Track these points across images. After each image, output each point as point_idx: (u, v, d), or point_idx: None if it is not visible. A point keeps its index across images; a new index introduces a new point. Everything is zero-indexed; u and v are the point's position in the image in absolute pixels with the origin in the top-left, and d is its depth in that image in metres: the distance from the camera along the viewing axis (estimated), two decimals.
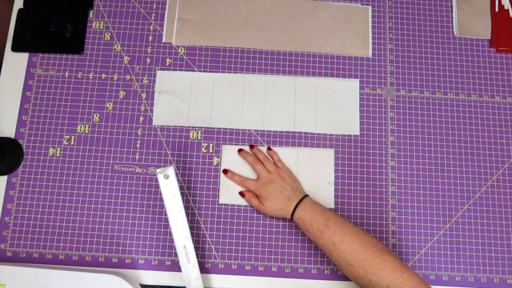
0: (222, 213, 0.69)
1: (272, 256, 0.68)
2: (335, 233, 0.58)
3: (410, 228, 0.69)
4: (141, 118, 0.73)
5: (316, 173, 0.70)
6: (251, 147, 0.71)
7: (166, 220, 0.69)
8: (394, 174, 0.71)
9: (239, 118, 0.73)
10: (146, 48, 0.76)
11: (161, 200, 0.70)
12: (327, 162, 0.71)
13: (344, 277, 0.67)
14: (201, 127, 0.73)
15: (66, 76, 0.74)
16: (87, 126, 0.72)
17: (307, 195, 0.64)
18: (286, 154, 0.71)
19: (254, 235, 0.69)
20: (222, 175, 0.70)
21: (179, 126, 0.73)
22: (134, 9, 0.77)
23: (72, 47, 0.75)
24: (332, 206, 0.69)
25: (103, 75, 0.74)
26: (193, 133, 0.73)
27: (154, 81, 0.74)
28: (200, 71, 0.75)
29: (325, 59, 0.76)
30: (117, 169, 0.71)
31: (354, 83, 0.75)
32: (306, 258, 0.68)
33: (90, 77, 0.74)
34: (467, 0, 0.78)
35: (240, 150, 0.70)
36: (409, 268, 0.55)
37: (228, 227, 0.69)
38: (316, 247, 0.68)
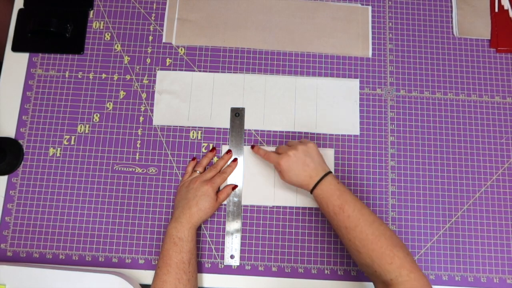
0: (222, 213, 0.69)
1: (272, 256, 0.68)
2: (349, 217, 0.57)
3: (410, 228, 0.69)
4: (141, 118, 0.73)
5: None
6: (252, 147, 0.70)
7: (166, 220, 0.69)
8: (394, 174, 0.71)
9: None
10: (146, 48, 0.76)
11: (161, 200, 0.70)
12: (327, 162, 0.71)
13: (344, 277, 0.67)
14: (201, 127, 0.73)
15: (66, 76, 0.74)
16: (87, 126, 0.73)
17: (330, 172, 0.62)
18: None
19: (254, 235, 0.69)
20: None
21: (179, 126, 0.73)
22: (134, 9, 0.77)
23: (72, 47, 0.75)
24: None
25: (103, 75, 0.75)
26: (193, 133, 0.73)
27: (154, 81, 0.74)
28: (200, 71, 0.75)
29: (325, 59, 0.76)
30: (117, 169, 0.71)
31: (354, 83, 0.75)
32: (306, 258, 0.68)
33: (90, 77, 0.74)
34: (467, 0, 0.78)
35: (252, 147, 0.70)
36: (419, 269, 0.53)
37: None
38: (316, 247, 0.68)
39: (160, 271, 0.59)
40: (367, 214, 0.57)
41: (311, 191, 0.62)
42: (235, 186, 0.69)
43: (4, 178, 0.71)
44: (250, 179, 0.70)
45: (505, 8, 0.78)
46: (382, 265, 0.53)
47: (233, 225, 0.68)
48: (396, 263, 0.53)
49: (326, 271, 0.68)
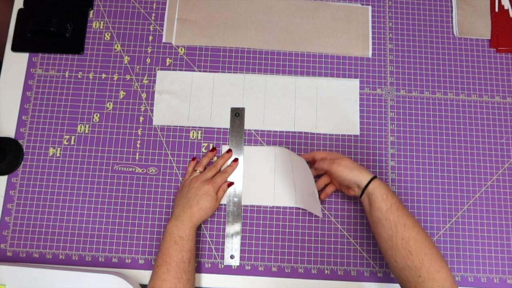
0: (222, 213, 0.69)
1: (272, 256, 0.68)
2: (409, 217, 0.56)
3: None
4: (141, 118, 0.73)
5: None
6: None
7: (166, 220, 0.69)
8: (394, 174, 0.71)
9: None
10: (146, 48, 0.76)
11: (161, 200, 0.70)
12: None
13: (344, 277, 0.67)
14: (201, 127, 0.73)
15: (66, 76, 0.74)
16: (87, 126, 0.73)
17: None
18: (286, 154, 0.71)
19: (254, 235, 0.69)
20: None
21: (179, 126, 0.73)
22: (134, 9, 0.77)
23: (72, 47, 0.75)
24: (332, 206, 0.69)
25: (103, 75, 0.75)
26: (193, 133, 0.73)
27: (154, 81, 0.74)
28: (200, 71, 0.75)
29: (325, 59, 0.76)
30: (117, 169, 0.71)
31: (354, 83, 0.75)
32: (306, 258, 0.68)
33: (90, 77, 0.74)
34: (467, 0, 0.78)
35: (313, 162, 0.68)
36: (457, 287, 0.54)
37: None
38: (316, 247, 0.68)
39: (159, 270, 0.58)
40: (416, 220, 0.58)
41: (370, 181, 0.59)
42: (230, 183, 0.69)
43: (4, 178, 0.71)
44: (250, 179, 0.70)
45: (505, 8, 0.78)
46: (431, 271, 0.53)
47: (233, 225, 0.68)
48: (443, 274, 0.53)
49: (326, 271, 0.68)
